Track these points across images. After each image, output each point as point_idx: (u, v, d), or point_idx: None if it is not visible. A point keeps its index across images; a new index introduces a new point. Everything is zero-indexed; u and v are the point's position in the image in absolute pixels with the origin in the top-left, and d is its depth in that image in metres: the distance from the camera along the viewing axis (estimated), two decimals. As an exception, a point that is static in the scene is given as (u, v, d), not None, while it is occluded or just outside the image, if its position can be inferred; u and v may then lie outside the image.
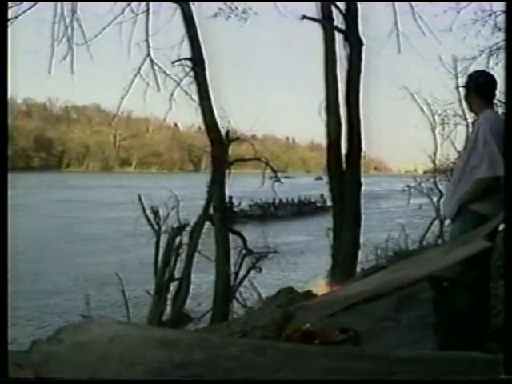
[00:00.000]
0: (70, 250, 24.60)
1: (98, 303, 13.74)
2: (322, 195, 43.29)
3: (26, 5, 10.22)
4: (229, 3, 11.66)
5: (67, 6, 10.88)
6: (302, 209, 41.40)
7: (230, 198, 27.65)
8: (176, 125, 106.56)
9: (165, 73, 10.91)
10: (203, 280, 12.40)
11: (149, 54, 10.99)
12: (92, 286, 16.83)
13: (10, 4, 9.68)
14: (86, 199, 48.24)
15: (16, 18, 9.95)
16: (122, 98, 11.27)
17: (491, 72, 4.37)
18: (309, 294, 5.69)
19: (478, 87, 4.06)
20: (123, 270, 16.26)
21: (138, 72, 10.92)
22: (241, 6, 11.80)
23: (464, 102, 4.47)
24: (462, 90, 4.42)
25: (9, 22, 9.68)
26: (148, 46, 11.02)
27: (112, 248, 24.88)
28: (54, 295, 16.86)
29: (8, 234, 2.37)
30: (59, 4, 10.81)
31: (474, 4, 11.99)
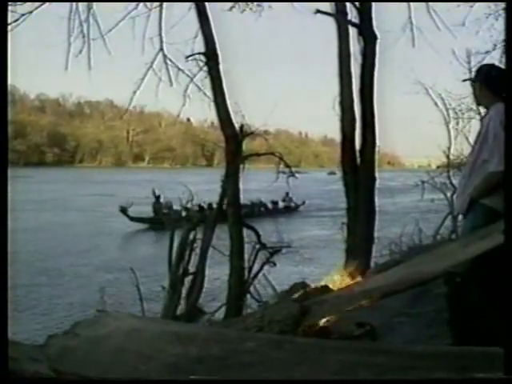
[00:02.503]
0: (97, 244, 24.70)
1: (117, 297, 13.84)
2: (287, 193, 41.01)
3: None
4: None
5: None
6: (256, 211, 37.12)
7: (158, 196, 26.25)
8: (189, 120, 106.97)
9: (178, 67, 10.89)
10: (217, 275, 12.40)
11: (162, 49, 10.99)
12: (112, 279, 17.01)
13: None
14: (115, 193, 48.15)
15: (30, 13, 9.98)
16: (135, 93, 11.28)
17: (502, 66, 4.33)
18: (325, 289, 5.69)
19: (489, 81, 4.01)
20: (148, 263, 16.40)
21: (151, 67, 10.92)
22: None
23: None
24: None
25: (23, 17, 9.74)
26: (161, 41, 11.02)
27: (139, 242, 24.93)
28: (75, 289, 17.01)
29: (8, 231, 2.35)
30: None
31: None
